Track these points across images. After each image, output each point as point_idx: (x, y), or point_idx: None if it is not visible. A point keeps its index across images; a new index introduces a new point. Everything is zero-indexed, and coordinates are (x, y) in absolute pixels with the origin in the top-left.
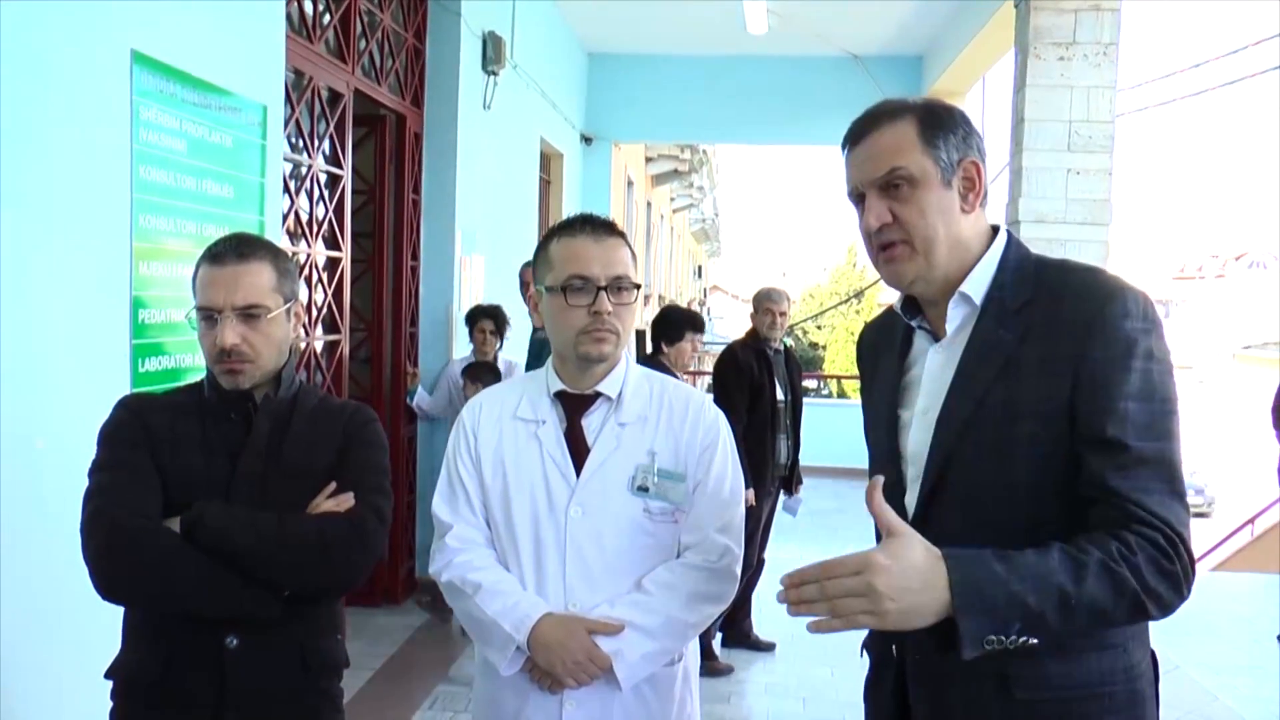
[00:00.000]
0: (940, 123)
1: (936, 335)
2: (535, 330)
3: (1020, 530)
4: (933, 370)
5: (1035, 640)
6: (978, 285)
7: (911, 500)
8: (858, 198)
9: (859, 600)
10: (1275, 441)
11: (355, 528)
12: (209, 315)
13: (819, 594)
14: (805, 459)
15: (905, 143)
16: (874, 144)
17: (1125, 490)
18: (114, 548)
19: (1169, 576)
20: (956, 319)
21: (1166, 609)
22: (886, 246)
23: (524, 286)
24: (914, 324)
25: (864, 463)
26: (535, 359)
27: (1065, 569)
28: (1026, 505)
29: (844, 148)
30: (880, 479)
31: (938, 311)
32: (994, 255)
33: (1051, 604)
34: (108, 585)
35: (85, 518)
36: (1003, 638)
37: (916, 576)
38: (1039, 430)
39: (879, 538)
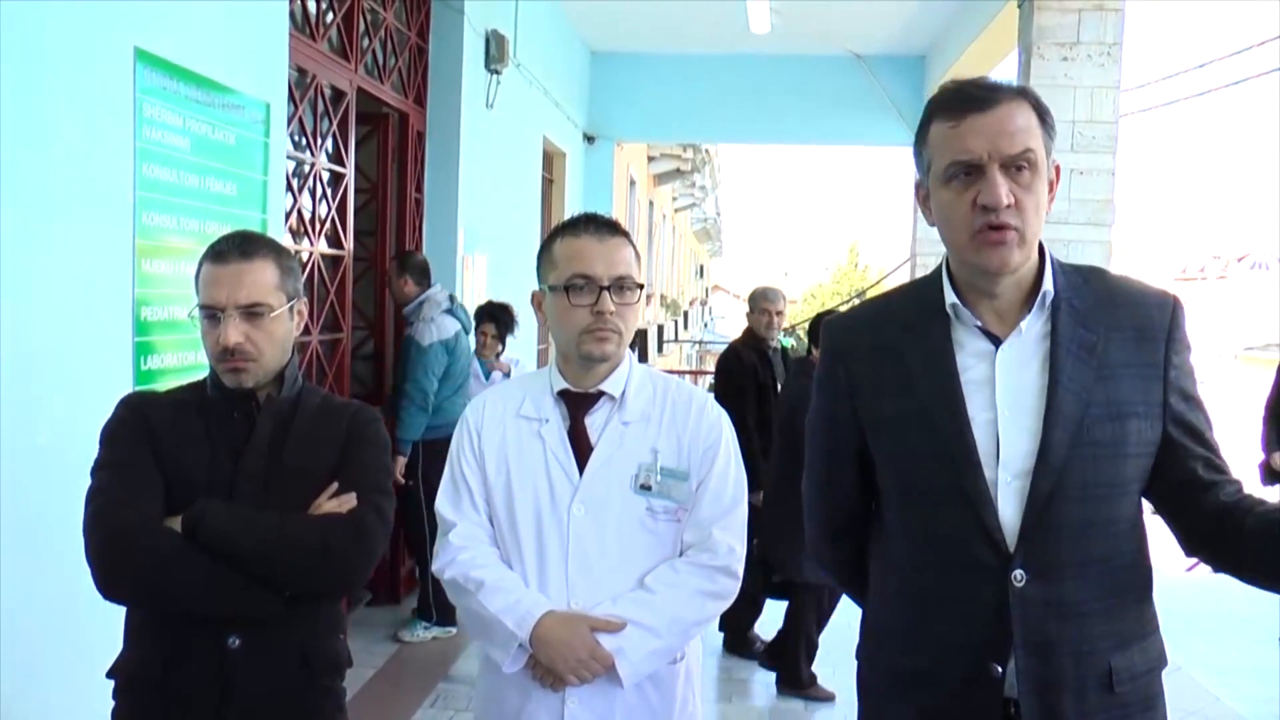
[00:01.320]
0: (1048, 115)
1: (990, 333)
2: (409, 328)
3: (1126, 525)
4: (1009, 368)
5: None
6: (1049, 285)
7: (1013, 502)
8: (968, 167)
9: None
10: (1260, 440)
11: (357, 528)
12: (212, 313)
13: None
14: None
15: (1034, 126)
16: (1008, 117)
17: (1234, 478)
18: (115, 547)
19: None
20: (1033, 316)
21: None
22: (998, 228)
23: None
24: (976, 323)
25: None
26: (414, 366)
27: None
28: (1129, 500)
29: (951, 111)
30: None
31: (997, 308)
32: (1045, 257)
33: None
34: (108, 584)
35: (87, 517)
36: None
37: None
38: (1146, 428)
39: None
